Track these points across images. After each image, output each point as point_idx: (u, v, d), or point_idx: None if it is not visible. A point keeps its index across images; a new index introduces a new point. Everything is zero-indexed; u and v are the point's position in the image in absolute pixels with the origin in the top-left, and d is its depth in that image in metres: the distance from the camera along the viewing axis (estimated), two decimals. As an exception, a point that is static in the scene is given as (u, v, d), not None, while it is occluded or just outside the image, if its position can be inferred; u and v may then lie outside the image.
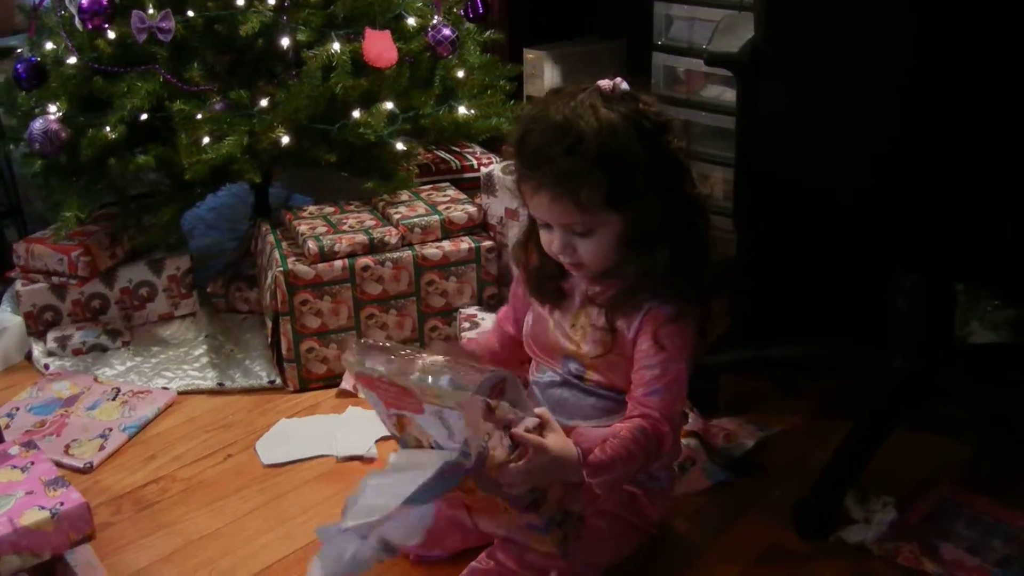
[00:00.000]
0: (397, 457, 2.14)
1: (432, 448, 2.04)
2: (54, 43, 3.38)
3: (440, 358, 2.06)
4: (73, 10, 3.26)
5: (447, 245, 3.24)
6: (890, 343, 2.68)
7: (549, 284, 2.33)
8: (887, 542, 2.40)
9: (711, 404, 2.89)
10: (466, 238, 3.28)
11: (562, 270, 2.28)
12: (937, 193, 2.22)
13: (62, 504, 2.35)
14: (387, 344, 2.10)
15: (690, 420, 2.80)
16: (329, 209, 3.43)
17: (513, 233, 3.07)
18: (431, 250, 3.21)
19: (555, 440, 2.00)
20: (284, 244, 3.26)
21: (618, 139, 2.05)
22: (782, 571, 2.37)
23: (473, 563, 2.20)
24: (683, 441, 2.62)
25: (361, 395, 2.05)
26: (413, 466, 2.02)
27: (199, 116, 3.18)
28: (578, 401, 2.32)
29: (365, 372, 2.04)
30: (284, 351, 3.19)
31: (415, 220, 3.25)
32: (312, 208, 3.45)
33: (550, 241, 2.19)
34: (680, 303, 2.19)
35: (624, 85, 2.14)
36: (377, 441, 2.89)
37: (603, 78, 2.14)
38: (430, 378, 1.97)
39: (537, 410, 2.04)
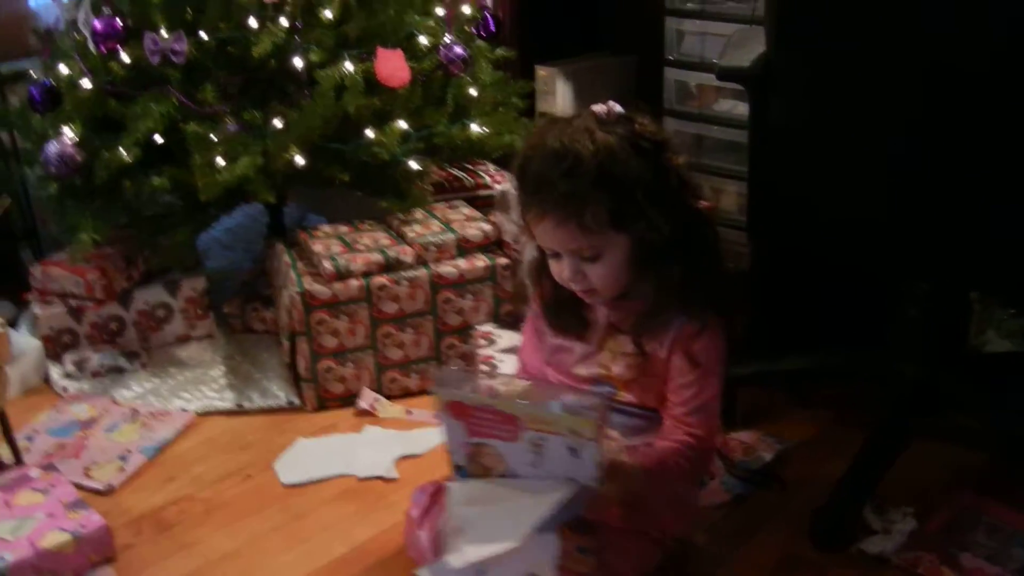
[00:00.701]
0: (463, 486, 2.10)
1: (500, 477, 2.04)
2: (68, 66, 3.38)
3: (519, 382, 2.07)
4: (87, 33, 3.27)
5: (462, 263, 3.24)
6: (902, 352, 2.68)
7: (568, 316, 2.32)
8: (906, 552, 2.40)
9: (728, 417, 2.88)
10: (481, 256, 3.28)
11: (579, 300, 2.27)
12: (949, 202, 2.23)
13: (83, 526, 2.37)
14: (467, 369, 2.10)
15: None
16: (344, 228, 3.44)
17: (528, 251, 3.07)
18: (447, 268, 3.21)
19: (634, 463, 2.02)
20: (300, 264, 3.27)
21: (616, 159, 2.05)
22: (801, 583, 2.38)
23: None
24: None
25: (438, 421, 2.02)
26: (508, 495, 2.01)
27: (213, 137, 3.18)
28: (616, 423, 2.31)
29: (461, 399, 2.01)
30: (301, 371, 3.19)
31: (430, 238, 3.25)
32: (327, 227, 3.46)
33: (560, 270, 2.18)
34: (706, 316, 2.19)
35: (618, 108, 2.14)
36: (396, 460, 2.90)
37: (610, 97, 2.15)
38: (549, 405, 1.96)
39: (611, 432, 2.06)
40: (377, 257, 3.16)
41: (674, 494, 2.27)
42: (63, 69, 3.38)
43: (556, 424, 1.92)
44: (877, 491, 2.52)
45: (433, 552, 2.37)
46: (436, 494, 2.40)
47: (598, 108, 2.13)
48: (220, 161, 3.16)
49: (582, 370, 2.31)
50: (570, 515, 1.99)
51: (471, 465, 2.05)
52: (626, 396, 2.29)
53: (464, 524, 1.99)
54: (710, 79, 3.31)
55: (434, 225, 3.36)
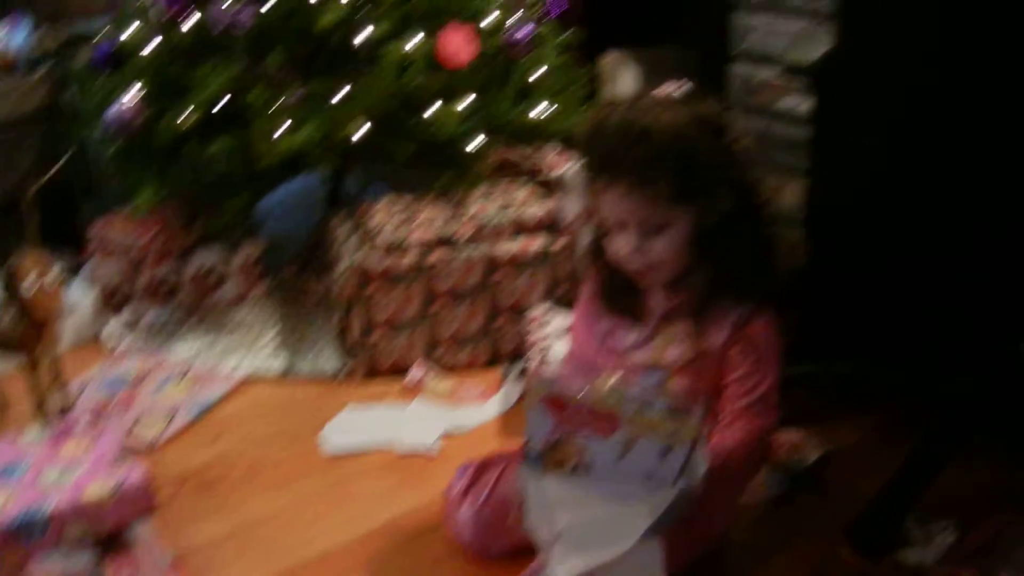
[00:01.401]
0: (554, 487, 2.04)
1: (574, 468, 2.04)
2: (134, 29, 3.40)
3: (614, 377, 2.07)
4: (154, -4, 3.30)
5: (519, 243, 3.25)
6: (955, 364, 2.66)
7: (624, 299, 2.31)
8: (946, 566, 2.37)
9: (775, 415, 2.88)
10: (538, 237, 3.28)
11: (635, 285, 2.27)
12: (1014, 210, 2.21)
13: (126, 479, 2.38)
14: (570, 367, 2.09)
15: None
16: (403, 202, 3.44)
17: (586, 233, 3.06)
18: (503, 247, 3.22)
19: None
20: (357, 235, 3.28)
21: (686, 134, 2.05)
22: (839, 588, 2.37)
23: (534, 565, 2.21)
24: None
25: (528, 412, 2.00)
26: (605, 498, 1.99)
27: (276, 105, 3.20)
28: None
29: (561, 395, 1.99)
30: (353, 340, 3.21)
31: (488, 217, 3.26)
32: (386, 200, 3.46)
33: (622, 245, 2.16)
34: (762, 306, 2.19)
35: (685, 88, 2.14)
36: (441, 435, 2.91)
37: (672, 82, 2.15)
38: (652, 405, 1.95)
39: None
40: (434, 232, 3.17)
41: (729, 490, 2.26)
42: (129, 31, 3.40)
43: (658, 427, 1.92)
44: (920, 502, 2.50)
45: (472, 531, 2.38)
46: (479, 472, 2.41)
47: (667, 87, 2.13)
48: (281, 129, 3.17)
49: (634, 356, 2.30)
50: (672, 521, 1.98)
51: (547, 456, 2.03)
52: (676, 384, 2.26)
53: (564, 531, 1.97)
54: (775, 75, 3.29)
55: (493, 204, 3.36)
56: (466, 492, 2.39)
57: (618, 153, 2.06)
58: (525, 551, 2.17)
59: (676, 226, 2.11)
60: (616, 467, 1.97)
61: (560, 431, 1.97)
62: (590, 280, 2.41)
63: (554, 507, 2.00)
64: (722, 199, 2.10)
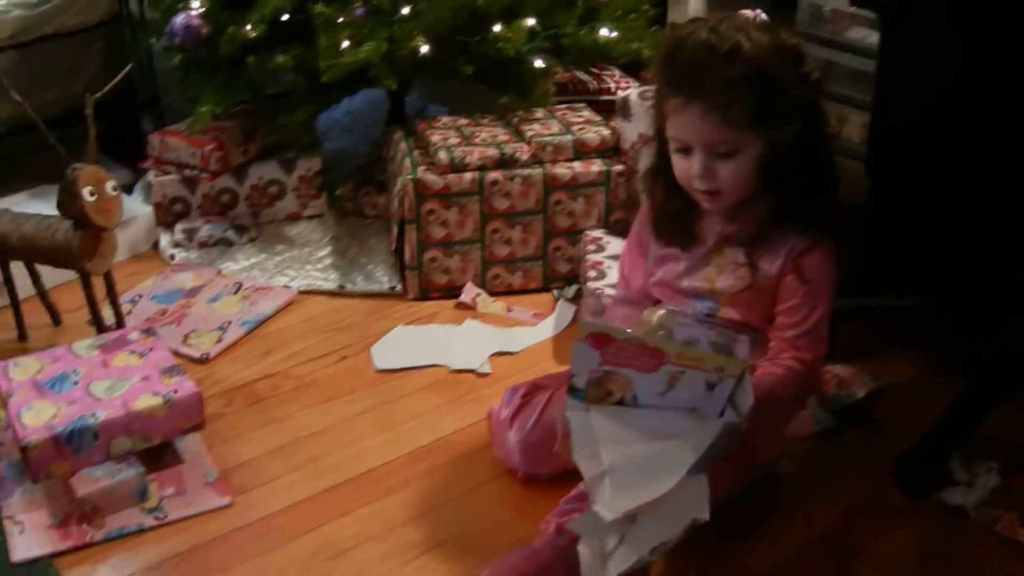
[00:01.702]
0: (598, 419, 2.01)
1: (619, 402, 2.02)
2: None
3: (660, 312, 2.07)
4: (221, -93, 3.28)
5: (578, 166, 3.22)
6: (1009, 306, 2.62)
7: (677, 224, 2.28)
8: (986, 508, 2.35)
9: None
10: (597, 160, 3.25)
11: (691, 210, 2.24)
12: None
13: (176, 392, 2.39)
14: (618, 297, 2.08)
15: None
16: (463, 121, 3.43)
17: (645, 159, 3.04)
18: (561, 170, 3.19)
19: None
20: (416, 152, 3.27)
21: (769, 59, 2.02)
22: (878, 523, 2.34)
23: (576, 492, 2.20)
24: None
25: (575, 346, 1.99)
26: (650, 433, 1.98)
27: (340, 20, 3.18)
28: None
29: (608, 332, 1.95)
30: (407, 259, 3.20)
31: (548, 138, 3.23)
32: (446, 119, 3.45)
33: (688, 167, 2.13)
34: (820, 238, 2.16)
35: (763, 16, 2.10)
36: (491, 356, 2.91)
37: (745, 9, 2.12)
38: (698, 340, 1.95)
39: None
40: (493, 152, 3.15)
41: (775, 422, 2.25)
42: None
43: (704, 362, 1.90)
44: (966, 443, 2.47)
45: (520, 455, 2.38)
46: (527, 396, 2.41)
47: (748, 12, 2.09)
48: (345, 44, 3.15)
49: (685, 282, 2.28)
50: (718, 454, 1.96)
51: (591, 389, 2.01)
52: (728, 313, 2.25)
53: (609, 468, 1.95)
54: (844, 5, 3.24)
55: (553, 126, 3.34)
56: (515, 416, 2.39)
57: (703, 70, 2.02)
58: (573, 475, 2.16)
59: (746, 152, 2.08)
60: (661, 401, 1.96)
61: (605, 366, 1.96)
62: (644, 206, 2.38)
63: (599, 442, 1.97)
64: (793, 131, 2.07)
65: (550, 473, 2.37)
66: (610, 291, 2.78)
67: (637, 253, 2.41)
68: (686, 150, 2.12)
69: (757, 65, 2.00)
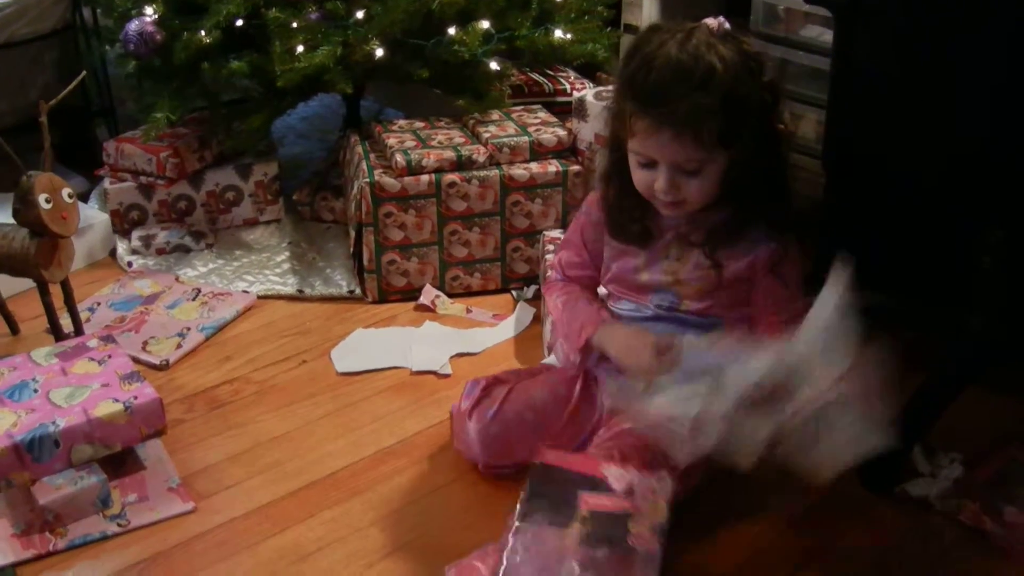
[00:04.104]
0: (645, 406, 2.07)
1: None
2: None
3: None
4: (172, -89, 3.28)
5: (535, 167, 3.22)
6: (969, 300, 2.63)
7: (632, 225, 2.30)
8: (950, 498, 2.36)
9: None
10: (554, 161, 3.26)
11: (644, 210, 2.25)
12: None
13: (136, 398, 2.38)
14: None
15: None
16: (419, 124, 3.43)
17: (601, 159, 3.04)
18: (518, 171, 3.19)
19: None
20: (372, 156, 3.27)
21: (740, 77, 2.02)
22: (842, 516, 2.35)
23: (594, 448, 2.24)
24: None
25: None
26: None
27: (294, 24, 3.18)
28: (677, 331, 2.28)
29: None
30: (365, 262, 3.19)
31: (504, 140, 3.23)
32: (402, 122, 3.45)
33: (651, 179, 2.13)
34: (787, 239, 2.19)
35: (727, 24, 2.11)
36: (451, 357, 2.91)
37: (708, 16, 2.11)
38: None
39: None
40: (450, 154, 3.15)
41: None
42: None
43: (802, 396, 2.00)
44: (928, 435, 2.48)
45: (479, 447, 2.39)
46: (487, 389, 2.41)
47: (711, 22, 2.09)
48: (300, 49, 3.15)
49: (645, 276, 2.30)
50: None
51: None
52: (690, 305, 2.28)
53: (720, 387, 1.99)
54: (798, 3, 3.25)
55: (509, 127, 3.34)
56: (474, 408, 2.39)
57: (677, 97, 2.01)
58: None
59: (712, 167, 2.09)
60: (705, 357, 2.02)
61: None
62: (589, 200, 2.42)
63: (680, 403, 2.01)
64: (757, 140, 2.09)
65: (511, 464, 2.38)
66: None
67: (579, 245, 2.47)
68: (650, 164, 2.13)
69: (730, 87, 2.01)
